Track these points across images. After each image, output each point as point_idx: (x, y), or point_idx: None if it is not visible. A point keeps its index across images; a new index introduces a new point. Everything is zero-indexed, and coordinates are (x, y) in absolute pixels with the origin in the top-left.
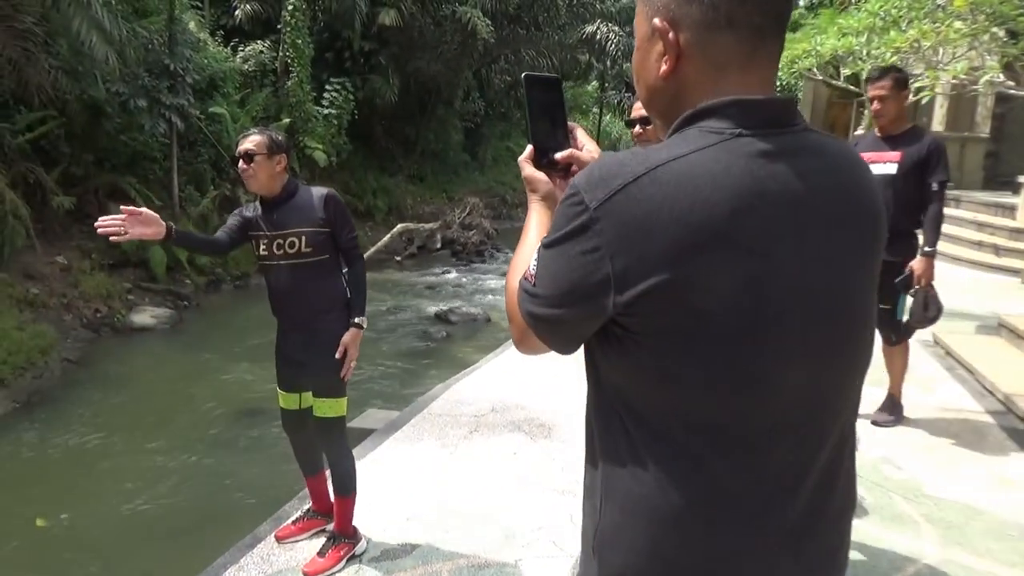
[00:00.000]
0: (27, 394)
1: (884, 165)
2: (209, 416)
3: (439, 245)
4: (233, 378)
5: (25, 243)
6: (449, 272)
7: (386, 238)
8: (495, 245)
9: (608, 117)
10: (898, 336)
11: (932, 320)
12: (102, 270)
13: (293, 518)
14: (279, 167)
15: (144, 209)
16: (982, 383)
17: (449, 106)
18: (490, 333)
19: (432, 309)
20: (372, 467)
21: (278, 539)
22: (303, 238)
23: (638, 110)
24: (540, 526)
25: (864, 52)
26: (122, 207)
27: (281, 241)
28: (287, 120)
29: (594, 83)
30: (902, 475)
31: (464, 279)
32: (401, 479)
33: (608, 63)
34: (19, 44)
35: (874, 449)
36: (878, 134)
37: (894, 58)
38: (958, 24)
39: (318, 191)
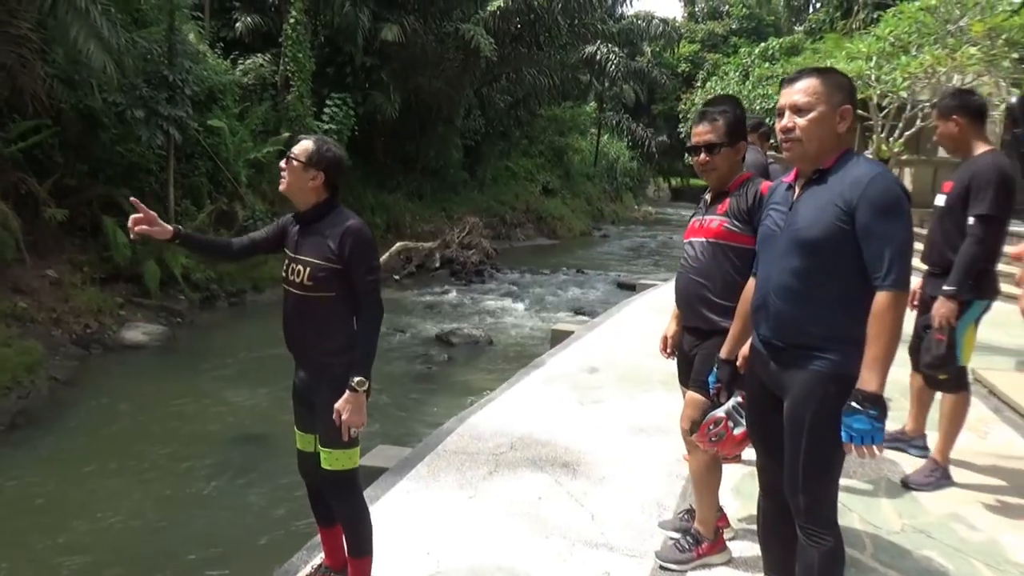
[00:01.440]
0: (11, 415)
1: (940, 196)
2: (204, 440)
3: (438, 264)
4: (229, 400)
5: (15, 256)
6: (448, 292)
7: (384, 256)
8: (494, 265)
9: (606, 137)
10: (956, 382)
11: (929, 366)
12: (94, 284)
13: (303, 574)
14: (312, 182)
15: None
16: None
17: (450, 124)
18: (492, 356)
19: (432, 330)
20: (386, 512)
21: None
22: (307, 270)
23: (702, 135)
24: None
25: (873, 77)
26: (131, 199)
27: (294, 266)
28: (287, 134)
29: (592, 103)
30: (979, 537)
31: (464, 299)
32: (419, 526)
33: (607, 83)
34: (14, 50)
35: (939, 505)
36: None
37: (906, 83)
38: (972, 50)
39: (345, 222)
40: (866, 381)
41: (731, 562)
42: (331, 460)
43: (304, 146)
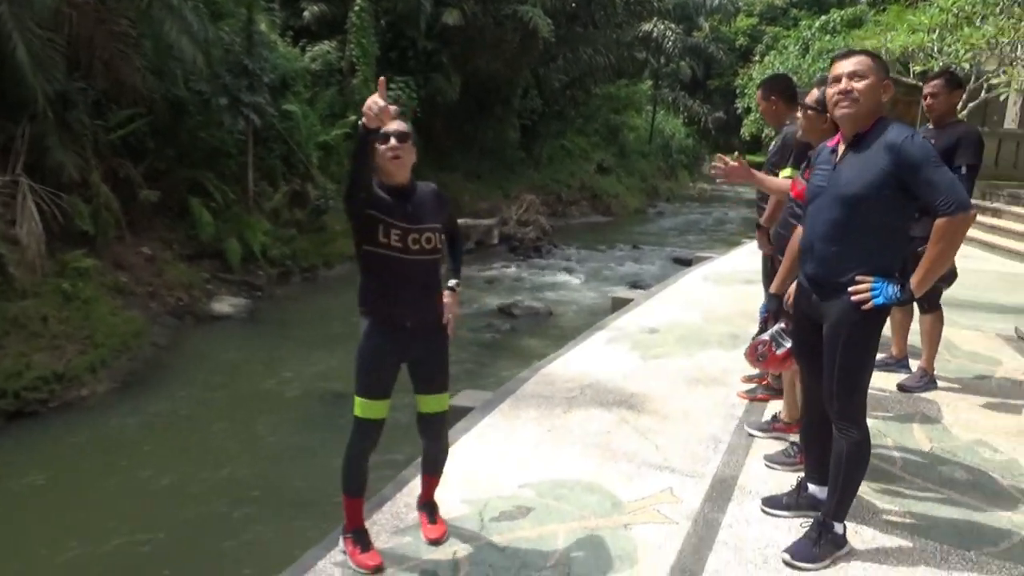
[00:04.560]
0: (124, 375)
1: None
2: (291, 398)
3: (496, 241)
4: (317, 362)
5: (116, 234)
6: (508, 267)
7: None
8: (551, 241)
9: (661, 114)
10: (929, 303)
11: (941, 279)
12: (182, 260)
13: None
14: (414, 157)
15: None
16: None
17: (507, 104)
18: (553, 326)
19: (495, 303)
20: (477, 441)
21: None
22: (436, 235)
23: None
24: (643, 496)
25: (936, 49)
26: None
27: (417, 236)
28: (353, 118)
29: (648, 81)
30: (1000, 457)
31: (523, 274)
32: (506, 452)
33: (663, 60)
34: (116, 45)
35: (968, 433)
36: (930, 126)
37: (968, 55)
38: None
39: (431, 188)
40: (913, 276)
41: None
42: (443, 401)
43: (406, 126)
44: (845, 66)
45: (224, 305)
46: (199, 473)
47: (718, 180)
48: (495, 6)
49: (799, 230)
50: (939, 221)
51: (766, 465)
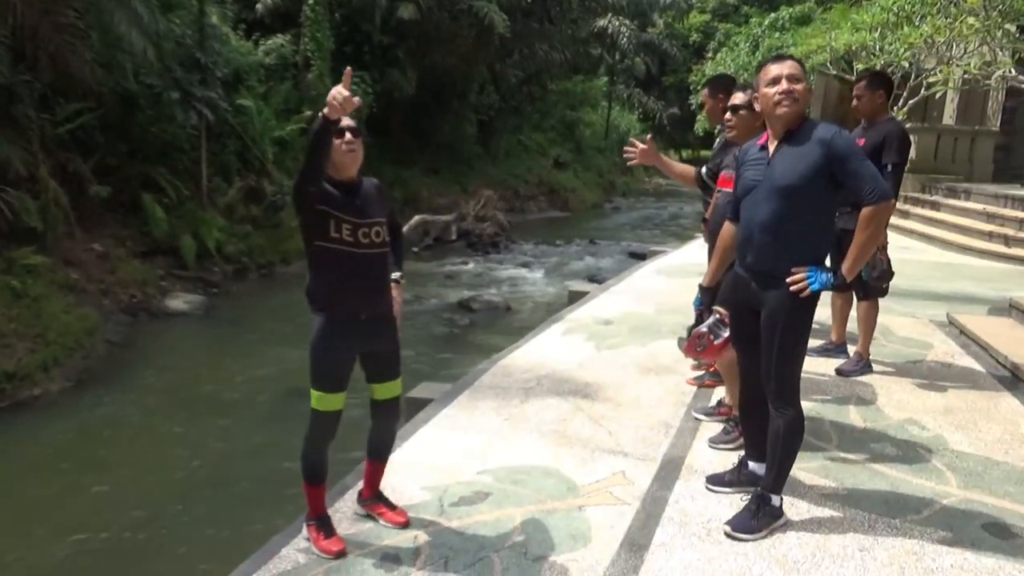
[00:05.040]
0: (78, 373)
1: None
2: (254, 393)
3: (455, 236)
4: (273, 359)
5: (65, 230)
6: (466, 263)
7: (404, 229)
8: (509, 237)
9: (616, 110)
10: (865, 292)
11: (877, 279)
12: (136, 257)
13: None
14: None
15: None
16: (995, 357)
17: (464, 99)
18: (511, 320)
19: (454, 298)
20: (435, 431)
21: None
22: (384, 228)
23: (733, 99)
24: (597, 479)
25: (877, 47)
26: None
27: (367, 229)
28: (308, 113)
29: (603, 77)
30: (927, 434)
31: (482, 269)
32: (464, 441)
33: (618, 56)
34: (62, 37)
35: (899, 413)
36: (863, 125)
37: (907, 53)
38: (971, 20)
39: (373, 181)
40: (844, 262)
41: None
42: (397, 387)
43: (353, 122)
44: (783, 69)
45: (179, 302)
46: (153, 472)
47: (629, 162)
48: (450, 0)
49: (727, 226)
50: (865, 209)
51: (710, 446)
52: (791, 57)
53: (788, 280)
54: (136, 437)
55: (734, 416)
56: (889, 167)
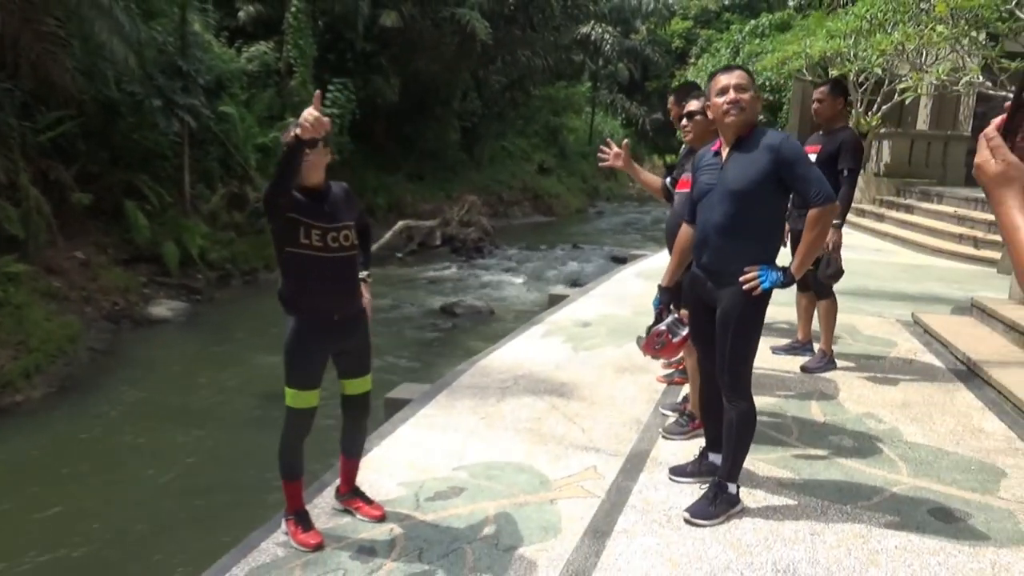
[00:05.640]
0: (60, 380)
1: (812, 155)
2: (237, 399)
3: (439, 242)
4: (256, 365)
5: (47, 238)
6: (450, 267)
7: (388, 235)
8: (493, 242)
9: (600, 115)
10: (821, 291)
11: (830, 277)
12: (118, 264)
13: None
14: (328, 158)
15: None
16: (954, 354)
17: (447, 106)
18: (494, 324)
19: (437, 303)
20: (413, 430)
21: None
22: (352, 232)
23: (688, 106)
24: (569, 474)
25: (852, 54)
26: None
27: (336, 234)
28: (291, 120)
29: (586, 83)
30: (883, 426)
31: (465, 274)
32: (441, 439)
33: (601, 62)
34: (43, 45)
35: (858, 407)
36: (821, 132)
37: (880, 60)
38: (940, 28)
39: (342, 185)
40: (792, 262)
41: None
42: (368, 382)
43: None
44: (731, 79)
45: (162, 309)
46: (135, 479)
47: (601, 164)
48: (433, 8)
49: (684, 228)
50: (812, 211)
51: (663, 436)
52: (739, 67)
53: (740, 279)
54: (117, 444)
55: (690, 411)
56: (846, 172)
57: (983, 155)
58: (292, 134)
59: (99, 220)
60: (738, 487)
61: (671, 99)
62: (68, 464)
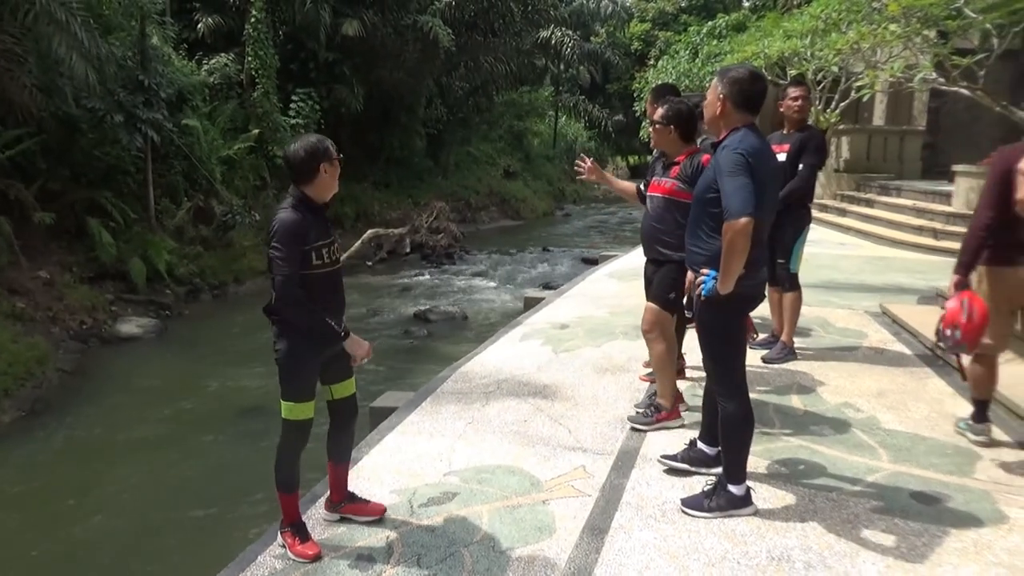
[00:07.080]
0: (30, 403)
1: (781, 154)
2: (210, 414)
3: (408, 249)
4: (229, 379)
5: (9, 259)
6: (421, 274)
7: (357, 244)
8: (463, 247)
9: (563, 119)
10: (790, 284)
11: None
12: (84, 283)
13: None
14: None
15: None
16: (923, 343)
17: (412, 113)
18: (469, 328)
19: (410, 310)
20: (401, 437)
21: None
22: (337, 244)
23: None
24: (559, 475)
25: (808, 53)
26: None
27: (332, 248)
28: (256, 131)
29: (549, 87)
30: (861, 415)
31: (437, 281)
32: (430, 445)
33: (562, 66)
34: None
35: (836, 397)
36: (785, 131)
37: (836, 59)
38: (893, 27)
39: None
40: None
41: (684, 426)
42: (353, 384)
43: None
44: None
45: (131, 326)
46: (109, 501)
47: (579, 178)
48: (395, 16)
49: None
50: (723, 225)
51: (631, 426)
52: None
53: (691, 281)
54: (91, 465)
55: (657, 402)
56: (802, 168)
57: (1022, 191)
58: (339, 332)
59: (62, 239)
60: (748, 490)
61: (648, 98)
62: (41, 490)
